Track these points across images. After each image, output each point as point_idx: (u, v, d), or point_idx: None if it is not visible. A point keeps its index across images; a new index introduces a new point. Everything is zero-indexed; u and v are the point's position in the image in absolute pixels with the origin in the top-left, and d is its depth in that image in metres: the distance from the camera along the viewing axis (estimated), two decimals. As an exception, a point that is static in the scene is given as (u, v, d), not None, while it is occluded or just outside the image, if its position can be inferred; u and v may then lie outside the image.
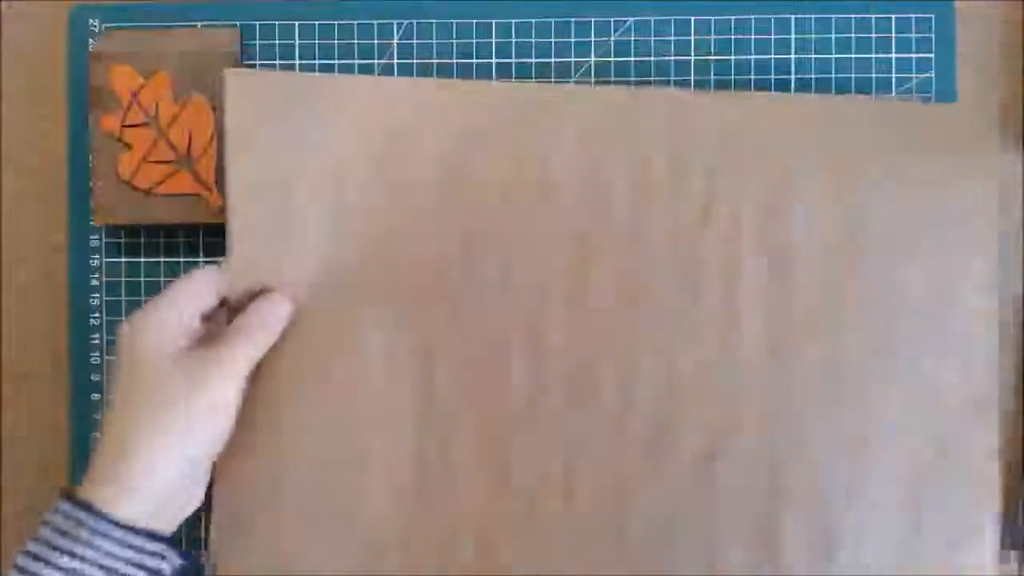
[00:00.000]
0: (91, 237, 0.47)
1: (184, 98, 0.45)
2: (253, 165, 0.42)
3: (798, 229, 0.43)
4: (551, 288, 0.43)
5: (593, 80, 0.46)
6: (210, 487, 0.41)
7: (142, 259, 0.47)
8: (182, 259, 0.47)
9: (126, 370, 0.38)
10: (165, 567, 0.37)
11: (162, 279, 0.47)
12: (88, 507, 0.36)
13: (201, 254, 0.47)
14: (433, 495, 0.42)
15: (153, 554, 0.37)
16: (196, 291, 0.40)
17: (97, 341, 0.47)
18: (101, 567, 0.36)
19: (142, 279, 0.47)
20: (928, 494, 0.43)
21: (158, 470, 0.37)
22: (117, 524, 0.36)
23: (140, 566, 0.37)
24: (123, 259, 0.47)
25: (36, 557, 0.35)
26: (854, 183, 0.43)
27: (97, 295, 0.47)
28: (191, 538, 0.45)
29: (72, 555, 0.35)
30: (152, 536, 0.37)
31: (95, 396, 0.47)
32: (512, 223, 0.43)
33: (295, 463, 0.42)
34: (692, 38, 0.46)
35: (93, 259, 0.47)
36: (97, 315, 0.47)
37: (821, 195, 0.43)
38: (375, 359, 0.42)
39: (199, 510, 0.40)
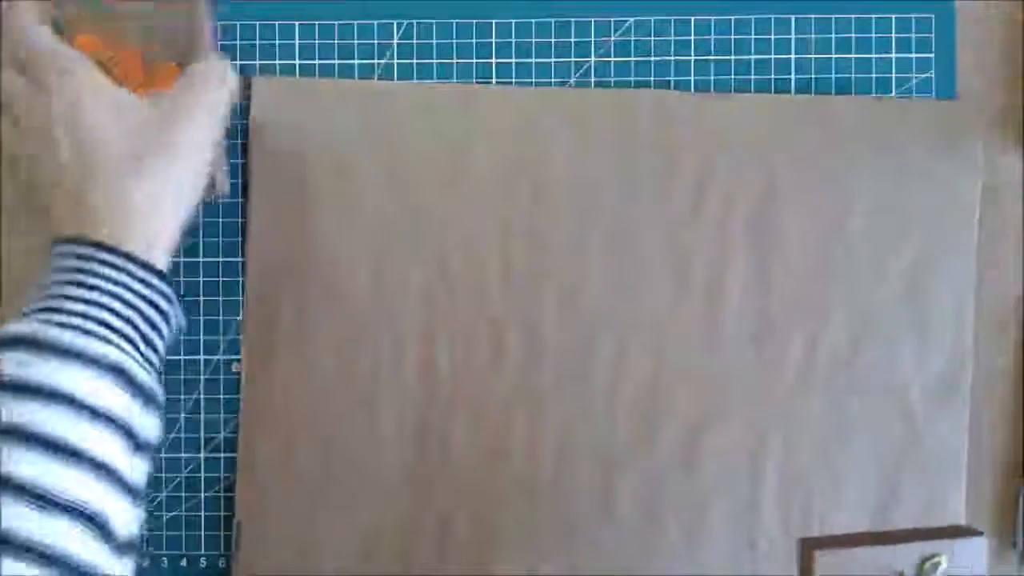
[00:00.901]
0: (91, 237, 0.47)
1: (152, 65, 0.44)
2: (273, 161, 0.45)
3: (783, 225, 0.45)
4: (546, 280, 0.45)
5: (593, 80, 0.46)
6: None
7: (142, 259, 0.47)
8: (182, 259, 0.47)
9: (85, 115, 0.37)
10: (171, 313, 0.38)
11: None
12: (98, 244, 0.35)
13: (201, 255, 0.47)
14: (432, 472, 0.45)
15: (163, 294, 0.37)
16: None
17: (97, 341, 0.47)
18: (123, 301, 0.35)
19: (142, 279, 0.47)
20: (899, 476, 0.45)
21: (157, 203, 0.37)
22: (130, 257, 0.36)
23: (154, 305, 0.36)
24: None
25: (50, 300, 0.34)
26: (837, 179, 0.45)
27: (97, 295, 0.47)
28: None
29: (91, 288, 0.35)
30: (162, 275, 0.37)
31: (95, 396, 0.47)
32: (510, 219, 0.45)
33: (310, 442, 0.45)
34: (692, 38, 0.46)
35: (93, 259, 0.47)
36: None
37: (805, 192, 0.45)
38: (383, 343, 0.45)
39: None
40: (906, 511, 0.45)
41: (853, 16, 0.46)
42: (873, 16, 0.46)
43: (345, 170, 0.45)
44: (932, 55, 0.46)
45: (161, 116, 0.38)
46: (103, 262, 0.36)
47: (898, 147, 0.45)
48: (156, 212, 0.37)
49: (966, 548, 0.34)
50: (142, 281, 0.36)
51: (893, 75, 0.46)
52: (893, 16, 0.46)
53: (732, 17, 0.46)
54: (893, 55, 0.46)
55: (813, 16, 0.46)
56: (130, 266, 0.36)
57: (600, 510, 0.45)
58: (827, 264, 0.45)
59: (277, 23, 0.47)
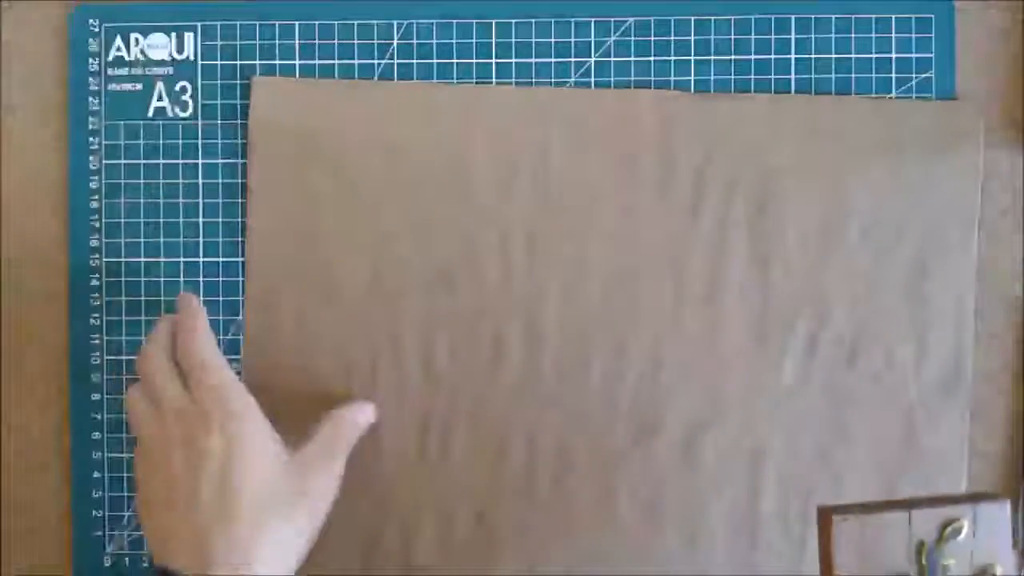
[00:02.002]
0: (91, 237, 0.47)
1: None
2: (273, 161, 0.46)
3: (783, 224, 0.45)
4: (546, 280, 0.45)
5: (593, 80, 0.46)
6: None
7: (142, 259, 0.47)
8: (182, 259, 0.47)
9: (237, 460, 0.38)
10: None
11: (162, 279, 0.47)
12: None
13: (201, 255, 0.47)
14: (434, 469, 0.45)
15: None
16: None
17: (97, 341, 0.47)
18: None
19: (142, 279, 0.47)
20: (899, 476, 0.45)
21: (290, 559, 0.38)
22: None
23: None
24: (123, 259, 0.47)
25: None
26: (837, 180, 0.45)
27: (97, 295, 0.47)
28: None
29: None
30: None
31: (95, 396, 0.47)
32: (510, 219, 0.45)
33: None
34: (692, 38, 0.46)
35: (93, 259, 0.47)
36: (97, 315, 0.47)
37: (803, 192, 0.45)
38: (382, 343, 0.45)
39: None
40: None
41: (853, 16, 0.46)
42: (873, 16, 0.46)
43: (345, 170, 0.45)
44: (932, 55, 0.46)
45: (301, 469, 0.40)
46: None
47: (898, 147, 0.45)
48: (276, 555, 0.38)
49: (988, 512, 0.33)
50: None
51: (893, 75, 0.46)
52: (893, 16, 0.46)
53: (732, 17, 0.46)
54: (893, 55, 0.46)
55: (813, 16, 0.46)
56: None
57: (599, 509, 0.45)
58: (827, 263, 0.45)
59: (277, 23, 0.47)
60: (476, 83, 0.46)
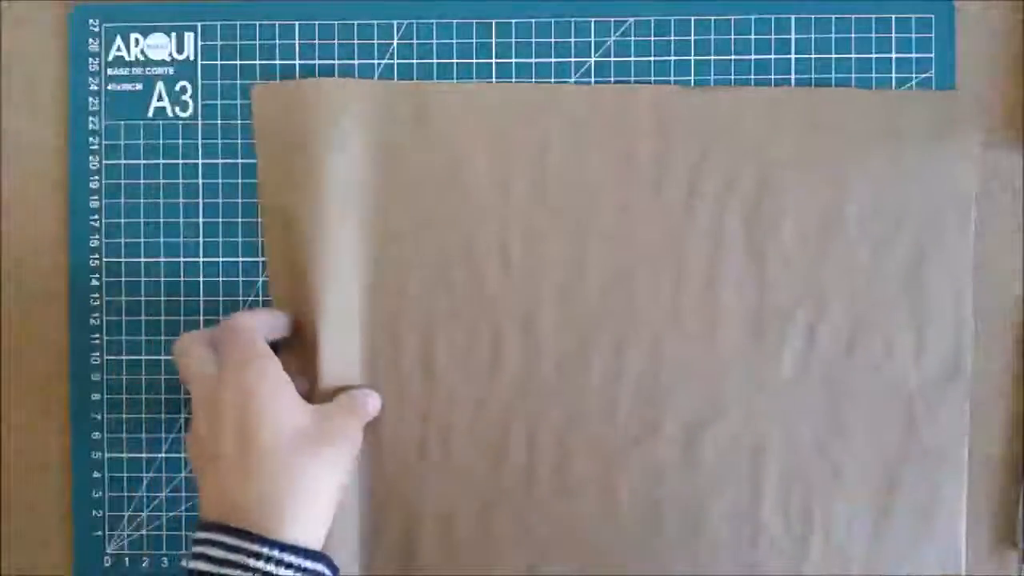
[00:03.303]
0: (91, 237, 0.47)
1: None
2: (277, 163, 0.46)
3: (779, 218, 0.45)
4: (545, 278, 0.45)
5: (593, 80, 0.46)
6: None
7: (142, 259, 0.47)
8: (182, 259, 0.47)
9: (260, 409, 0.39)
10: None
11: (162, 279, 0.47)
12: (248, 534, 0.37)
13: (201, 255, 0.47)
14: (434, 469, 0.45)
15: (315, 572, 0.38)
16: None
17: (97, 341, 0.47)
18: None
19: (142, 279, 0.47)
20: (899, 468, 0.45)
21: (320, 499, 0.39)
22: (283, 546, 0.37)
23: None
24: (123, 259, 0.47)
25: None
26: (835, 172, 0.45)
27: (97, 295, 0.47)
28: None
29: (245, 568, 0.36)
30: (317, 555, 0.38)
31: (95, 396, 0.47)
32: (507, 216, 0.45)
33: None
34: (692, 38, 0.46)
35: (93, 259, 0.47)
36: (97, 315, 0.47)
37: (801, 185, 0.45)
38: (381, 343, 0.45)
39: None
40: (907, 504, 0.45)
41: (853, 16, 0.46)
42: (873, 16, 0.46)
43: (346, 171, 0.45)
44: (932, 55, 0.46)
45: (324, 416, 0.41)
46: (253, 554, 0.36)
47: (895, 138, 0.45)
48: (307, 502, 0.38)
49: None
50: (299, 568, 0.37)
51: (893, 75, 0.46)
52: (893, 16, 0.46)
53: (732, 17, 0.46)
54: (893, 55, 0.46)
55: (813, 16, 0.46)
56: (285, 555, 0.37)
57: (600, 507, 0.45)
58: (824, 256, 0.45)
59: (277, 23, 0.47)
60: (474, 82, 0.46)
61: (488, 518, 0.45)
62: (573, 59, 0.46)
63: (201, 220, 0.47)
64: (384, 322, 0.45)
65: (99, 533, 0.47)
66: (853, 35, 0.46)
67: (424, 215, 0.45)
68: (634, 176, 0.45)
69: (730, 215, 0.45)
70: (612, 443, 0.45)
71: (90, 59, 0.47)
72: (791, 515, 0.45)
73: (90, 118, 0.47)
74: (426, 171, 0.45)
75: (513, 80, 0.46)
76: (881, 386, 0.45)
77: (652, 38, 0.46)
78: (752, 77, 0.46)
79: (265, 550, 0.36)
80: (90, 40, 0.47)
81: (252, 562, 0.36)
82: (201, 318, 0.47)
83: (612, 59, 0.46)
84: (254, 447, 0.38)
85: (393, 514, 0.45)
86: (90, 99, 0.47)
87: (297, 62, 0.47)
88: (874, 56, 0.46)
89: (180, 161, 0.47)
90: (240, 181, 0.47)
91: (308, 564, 0.37)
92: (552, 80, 0.46)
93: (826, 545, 0.45)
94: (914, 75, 0.46)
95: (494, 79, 0.46)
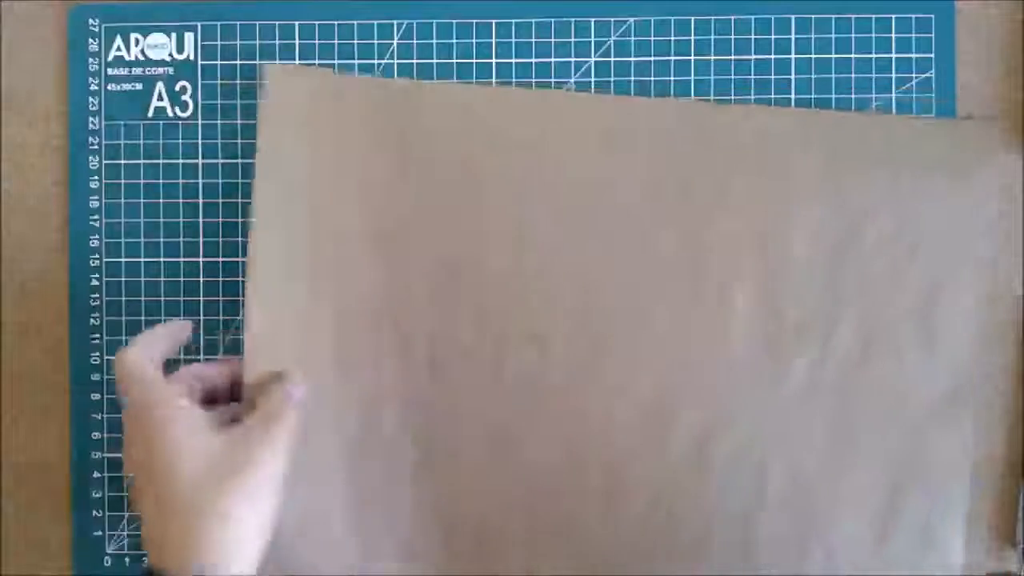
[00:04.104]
0: (91, 237, 0.47)
1: None
2: (280, 155, 0.44)
3: (798, 235, 0.44)
4: (556, 284, 0.45)
5: (593, 80, 0.46)
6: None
7: (142, 259, 0.47)
8: (182, 259, 0.47)
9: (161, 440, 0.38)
10: None
11: (162, 279, 0.47)
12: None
13: (201, 255, 0.47)
14: (438, 468, 0.45)
15: None
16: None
17: (97, 341, 0.47)
18: None
19: (142, 279, 0.47)
20: (903, 491, 0.44)
21: (240, 528, 0.38)
22: None
23: None
24: (123, 259, 0.47)
25: None
26: (853, 195, 0.44)
27: (97, 295, 0.47)
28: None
29: None
30: None
31: (95, 396, 0.47)
32: (521, 221, 0.45)
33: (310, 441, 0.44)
34: (692, 38, 0.46)
35: (93, 259, 0.47)
36: (97, 315, 0.47)
37: (821, 205, 0.44)
38: (387, 344, 0.45)
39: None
40: (908, 523, 0.44)
41: (853, 16, 0.46)
42: (873, 16, 0.46)
43: (352, 167, 0.45)
44: (932, 55, 0.46)
45: (241, 440, 0.39)
46: None
47: (915, 164, 0.44)
48: (227, 536, 0.37)
49: None
50: None
51: (893, 75, 0.46)
52: (893, 16, 0.46)
53: (732, 17, 0.46)
54: (893, 55, 0.46)
55: (813, 16, 0.46)
56: None
57: (604, 515, 0.44)
58: (839, 276, 0.44)
59: (277, 23, 0.47)
60: (496, 83, 0.46)
61: (489, 522, 0.45)
62: (573, 59, 0.46)
63: (201, 220, 0.47)
64: (389, 324, 0.45)
65: (99, 533, 0.47)
66: (853, 35, 0.46)
67: (432, 216, 0.45)
68: (652, 187, 0.45)
69: (746, 233, 0.44)
70: (620, 452, 0.44)
71: (90, 59, 0.47)
72: (792, 532, 0.44)
73: (90, 118, 0.47)
74: (437, 172, 0.45)
75: (513, 81, 0.46)
76: (889, 408, 0.44)
77: (652, 38, 0.46)
78: (752, 77, 0.46)
79: None
80: (90, 40, 0.47)
81: None
82: (201, 318, 0.47)
83: (612, 59, 0.46)
84: (164, 496, 0.37)
85: (397, 515, 0.45)
86: (90, 99, 0.47)
87: (297, 62, 0.47)
88: (874, 56, 0.46)
89: (180, 161, 0.47)
90: (240, 181, 0.47)
91: None
92: (552, 80, 0.46)
93: (826, 563, 0.44)
94: (914, 75, 0.46)
95: (494, 79, 0.46)
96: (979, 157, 0.44)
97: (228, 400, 0.43)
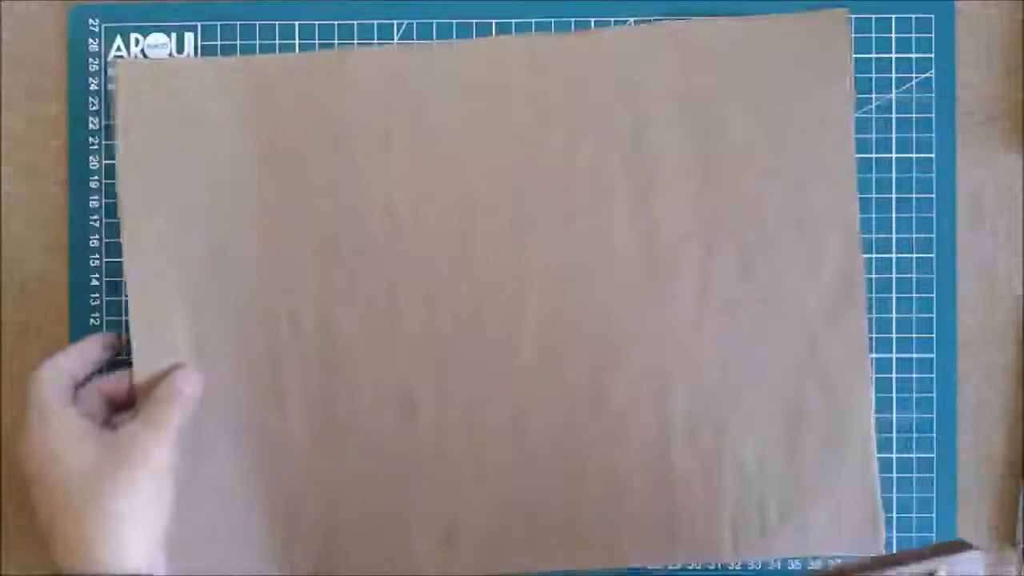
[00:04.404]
0: (91, 237, 0.47)
1: None
2: (143, 145, 0.45)
3: (661, 153, 0.45)
4: (435, 238, 0.45)
5: (593, 80, 0.46)
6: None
7: (142, 259, 0.47)
8: (182, 259, 0.47)
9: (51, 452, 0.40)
10: None
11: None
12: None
13: (201, 254, 0.47)
14: (345, 433, 0.45)
15: None
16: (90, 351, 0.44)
17: (97, 341, 0.47)
18: None
19: (142, 279, 0.47)
20: (804, 390, 0.45)
21: (128, 525, 0.39)
22: None
23: None
24: (123, 259, 0.47)
25: None
26: (709, 103, 0.45)
27: (97, 295, 0.47)
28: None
29: None
30: None
31: (95, 396, 0.47)
32: (390, 179, 0.45)
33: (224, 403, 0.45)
34: (692, 38, 0.46)
35: (93, 259, 0.47)
36: (97, 315, 0.47)
37: (677, 118, 0.45)
38: (280, 321, 0.45)
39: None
40: (815, 432, 0.45)
41: (853, 16, 0.46)
42: (873, 16, 0.46)
43: (219, 149, 0.45)
44: (932, 55, 0.46)
45: (125, 442, 0.41)
46: None
47: (767, 64, 0.45)
48: (114, 533, 0.39)
49: (963, 563, 0.35)
50: None
51: (893, 75, 0.46)
52: (893, 16, 0.46)
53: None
54: (893, 55, 0.46)
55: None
56: None
57: (513, 458, 0.45)
58: (708, 187, 0.45)
59: (277, 23, 0.47)
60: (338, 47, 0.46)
61: (404, 482, 0.45)
62: (573, 59, 0.46)
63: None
64: (279, 297, 0.45)
65: (99, 533, 0.47)
66: (853, 35, 0.46)
67: (304, 186, 0.45)
68: (513, 124, 0.45)
69: (611, 155, 0.45)
70: (519, 394, 0.45)
71: (90, 59, 0.47)
72: (702, 455, 0.45)
73: (90, 118, 0.47)
74: (299, 140, 0.45)
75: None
76: (779, 312, 0.45)
77: (652, 38, 0.46)
78: (752, 77, 0.46)
79: None
80: (90, 40, 0.47)
81: None
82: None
83: (612, 59, 0.46)
84: (52, 500, 0.39)
85: (308, 498, 0.45)
86: (90, 99, 0.47)
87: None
88: (874, 56, 0.46)
89: (180, 161, 0.47)
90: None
91: None
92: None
93: (740, 484, 0.45)
94: (914, 75, 0.46)
95: (494, 79, 0.46)
96: (827, 45, 0.45)
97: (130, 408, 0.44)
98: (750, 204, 0.45)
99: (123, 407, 0.44)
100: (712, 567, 0.46)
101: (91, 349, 0.44)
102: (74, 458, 0.40)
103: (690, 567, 0.46)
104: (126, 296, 0.46)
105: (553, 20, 0.46)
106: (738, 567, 0.46)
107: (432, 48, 0.46)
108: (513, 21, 0.46)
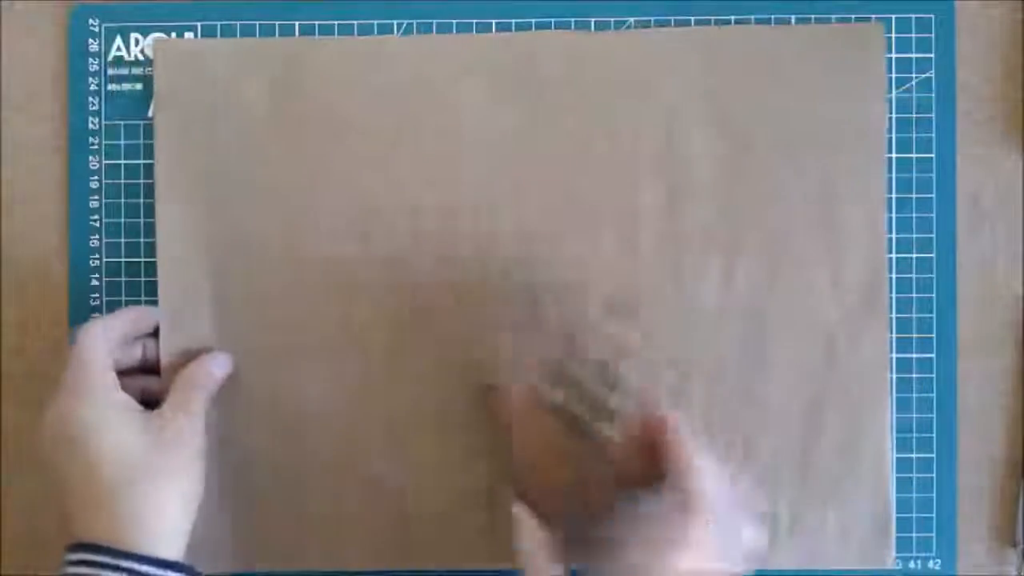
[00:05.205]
0: (91, 237, 0.47)
1: None
2: (179, 127, 0.46)
3: (690, 156, 0.45)
4: (460, 235, 0.45)
5: (593, 80, 0.46)
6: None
7: (142, 259, 0.47)
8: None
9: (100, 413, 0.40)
10: None
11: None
12: (107, 549, 0.38)
13: (201, 254, 0.47)
14: (352, 424, 0.45)
15: None
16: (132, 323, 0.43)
17: (97, 341, 0.47)
18: None
19: (142, 279, 0.47)
20: (822, 400, 0.45)
21: (166, 511, 0.39)
22: (140, 558, 0.38)
23: None
24: (123, 259, 0.47)
25: None
26: (739, 107, 0.45)
27: (97, 295, 0.47)
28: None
29: None
30: (169, 564, 0.39)
31: (95, 396, 0.47)
32: (418, 174, 0.45)
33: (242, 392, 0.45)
34: (692, 38, 0.46)
35: (93, 259, 0.47)
36: (97, 315, 0.47)
37: (708, 122, 0.45)
38: (303, 300, 0.45)
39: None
40: (831, 438, 0.45)
41: (853, 16, 0.46)
42: (873, 16, 0.46)
43: (251, 133, 0.45)
44: (932, 55, 0.46)
45: (157, 423, 0.41)
46: (105, 566, 0.38)
47: (799, 72, 0.45)
48: (152, 518, 0.39)
49: None
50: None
51: (893, 75, 0.46)
52: (893, 16, 0.46)
53: (732, 17, 0.46)
54: (893, 55, 0.46)
55: (813, 16, 0.46)
56: (134, 565, 0.38)
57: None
58: (736, 192, 0.45)
59: (277, 23, 0.47)
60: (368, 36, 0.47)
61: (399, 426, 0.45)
62: (573, 59, 0.46)
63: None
64: (302, 282, 0.45)
65: (99, 533, 0.47)
66: (853, 35, 0.46)
67: (329, 173, 0.45)
68: (545, 123, 0.45)
69: (640, 155, 0.45)
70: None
71: (90, 59, 0.47)
72: (716, 451, 0.44)
73: (90, 118, 0.47)
74: (330, 128, 0.45)
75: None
76: (801, 322, 0.45)
77: (652, 38, 0.46)
78: (752, 77, 0.46)
79: (121, 563, 0.37)
80: (90, 40, 0.47)
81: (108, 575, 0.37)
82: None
83: (612, 59, 0.46)
84: (91, 477, 0.39)
85: (314, 460, 0.45)
86: (90, 99, 0.47)
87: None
88: (874, 56, 0.46)
89: (180, 161, 0.47)
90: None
91: (169, 574, 0.38)
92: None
93: (754, 483, 0.45)
94: (914, 75, 0.46)
95: (494, 79, 0.46)
96: (863, 57, 0.45)
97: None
98: (778, 210, 0.45)
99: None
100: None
101: (140, 318, 0.44)
102: (118, 432, 0.40)
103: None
104: (156, 278, 0.46)
105: (553, 20, 0.46)
106: None
107: (468, 39, 0.46)
108: (513, 21, 0.46)
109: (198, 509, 0.41)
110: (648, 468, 0.38)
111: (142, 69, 0.47)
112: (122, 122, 0.47)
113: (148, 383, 0.44)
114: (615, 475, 0.40)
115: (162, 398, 0.43)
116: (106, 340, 0.41)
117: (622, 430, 0.41)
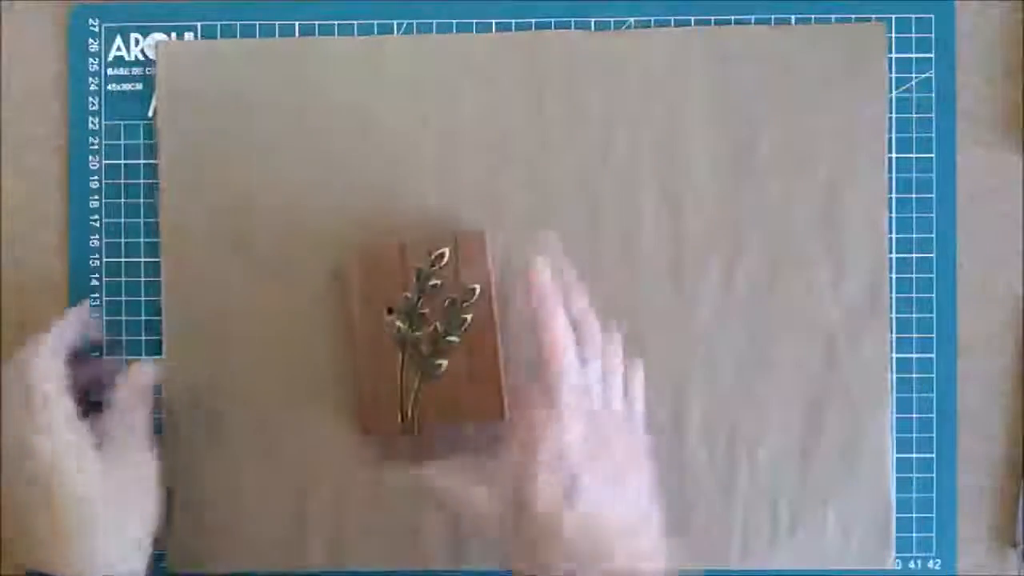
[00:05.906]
0: (91, 237, 0.47)
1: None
2: (183, 127, 0.46)
3: (691, 156, 0.45)
4: (461, 225, 0.45)
5: (593, 80, 0.46)
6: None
7: (142, 259, 0.47)
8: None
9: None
10: None
11: (162, 279, 0.47)
12: None
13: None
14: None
15: None
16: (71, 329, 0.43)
17: (97, 341, 0.47)
18: None
19: (142, 279, 0.47)
20: (823, 401, 0.45)
21: (125, 544, 0.40)
22: None
23: None
24: (123, 259, 0.47)
25: None
26: (741, 108, 0.45)
27: (97, 295, 0.47)
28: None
29: None
30: None
31: (95, 396, 0.47)
32: (422, 167, 0.45)
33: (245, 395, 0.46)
34: (692, 38, 0.46)
35: (93, 259, 0.47)
36: (97, 315, 0.47)
37: (709, 122, 0.45)
38: (303, 295, 0.46)
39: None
40: (831, 440, 0.45)
41: (853, 16, 0.46)
42: (873, 16, 0.46)
43: (256, 130, 0.46)
44: (932, 55, 0.46)
45: (109, 473, 0.40)
46: None
47: (800, 72, 0.45)
48: (113, 548, 0.39)
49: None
50: None
51: (893, 75, 0.46)
52: (893, 16, 0.46)
53: (732, 17, 0.46)
54: (893, 55, 0.46)
55: (813, 16, 0.46)
56: None
57: None
58: (738, 192, 0.45)
59: (277, 23, 0.47)
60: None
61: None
62: (573, 59, 0.46)
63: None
64: (301, 278, 0.45)
65: (99, 533, 0.47)
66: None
67: (335, 167, 0.45)
68: (544, 123, 0.45)
69: (642, 155, 0.45)
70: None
71: (90, 59, 0.47)
72: (716, 454, 0.45)
73: (90, 118, 0.47)
74: (335, 125, 0.45)
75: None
76: (802, 322, 0.45)
77: (652, 38, 0.46)
78: (752, 77, 0.46)
79: None
80: (90, 40, 0.47)
81: None
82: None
83: (612, 59, 0.46)
84: (52, 515, 0.38)
85: (327, 486, 0.46)
86: (90, 99, 0.47)
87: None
88: (874, 56, 0.46)
89: (180, 161, 0.47)
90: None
91: None
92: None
93: (752, 483, 0.45)
94: (914, 75, 0.46)
95: (494, 79, 0.46)
96: (864, 57, 0.45)
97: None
98: (778, 212, 0.45)
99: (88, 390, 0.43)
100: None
101: (82, 324, 0.43)
102: (79, 472, 0.39)
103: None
104: (156, 278, 0.46)
105: (553, 20, 0.46)
106: None
107: (468, 39, 0.46)
108: (513, 21, 0.46)
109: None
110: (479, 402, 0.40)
111: (142, 69, 0.47)
112: (122, 122, 0.47)
113: (95, 370, 0.44)
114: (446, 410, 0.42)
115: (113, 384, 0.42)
116: (57, 365, 0.40)
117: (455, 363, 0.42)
